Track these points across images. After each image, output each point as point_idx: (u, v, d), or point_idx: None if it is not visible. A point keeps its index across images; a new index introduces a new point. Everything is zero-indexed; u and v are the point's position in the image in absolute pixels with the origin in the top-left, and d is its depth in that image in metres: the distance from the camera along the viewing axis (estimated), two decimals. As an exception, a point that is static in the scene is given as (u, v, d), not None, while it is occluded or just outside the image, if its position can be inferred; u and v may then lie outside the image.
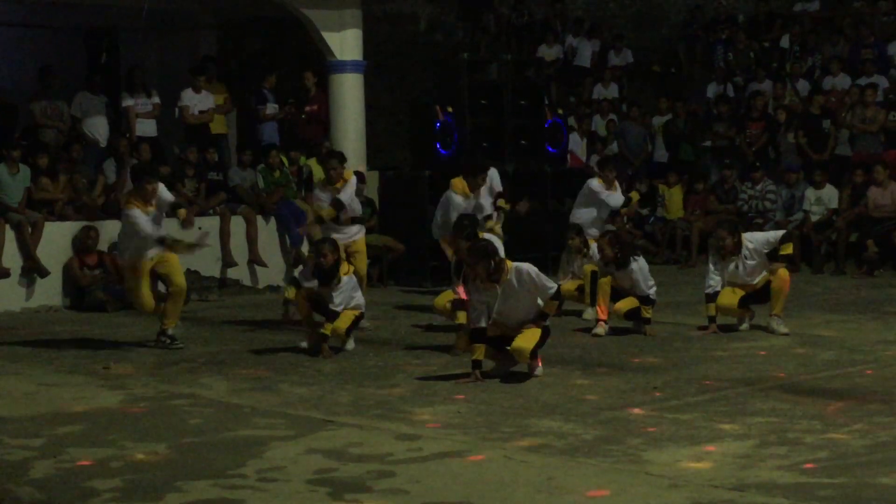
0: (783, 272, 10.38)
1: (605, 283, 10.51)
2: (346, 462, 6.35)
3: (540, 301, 8.46)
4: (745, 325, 10.60)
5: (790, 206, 15.79)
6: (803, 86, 17.59)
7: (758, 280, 10.41)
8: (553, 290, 8.46)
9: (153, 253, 10.17)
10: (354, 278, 9.97)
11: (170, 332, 10.29)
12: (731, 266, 10.40)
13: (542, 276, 8.44)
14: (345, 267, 9.83)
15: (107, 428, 7.27)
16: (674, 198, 16.86)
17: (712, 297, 10.44)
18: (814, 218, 15.39)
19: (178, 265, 10.44)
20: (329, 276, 9.63)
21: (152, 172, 10.40)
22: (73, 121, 14.73)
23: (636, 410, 7.51)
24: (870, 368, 8.83)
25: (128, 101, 14.94)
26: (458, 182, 10.89)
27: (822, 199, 15.45)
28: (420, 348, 9.99)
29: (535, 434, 6.92)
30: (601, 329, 10.45)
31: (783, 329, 10.34)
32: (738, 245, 10.28)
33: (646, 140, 17.96)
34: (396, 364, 9.26)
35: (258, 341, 10.51)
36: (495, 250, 8.47)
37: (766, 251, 10.38)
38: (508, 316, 8.50)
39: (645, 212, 16.48)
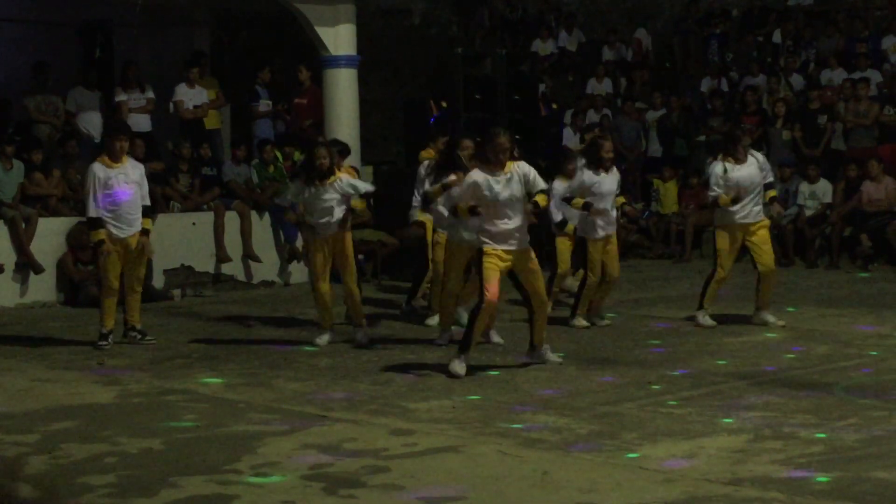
0: (770, 260, 10.48)
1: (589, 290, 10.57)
2: (341, 457, 6.35)
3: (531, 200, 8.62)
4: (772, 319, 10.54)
5: (784, 200, 15.79)
6: (797, 80, 17.60)
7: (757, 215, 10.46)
8: (545, 186, 8.74)
9: (131, 232, 9.99)
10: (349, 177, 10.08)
11: (138, 326, 10.23)
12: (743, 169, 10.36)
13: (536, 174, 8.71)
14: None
15: (101, 423, 7.27)
16: (668, 192, 16.87)
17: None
18: (808, 212, 15.41)
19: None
20: (325, 175, 9.75)
21: (126, 130, 10.28)
22: (67, 116, 14.69)
23: (631, 405, 7.51)
24: (864, 363, 8.84)
25: (121, 97, 14.90)
26: (425, 153, 11.14)
27: (816, 193, 15.46)
28: (414, 342, 9.98)
29: (529, 429, 6.92)
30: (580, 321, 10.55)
31: (774, 319, 10.38)
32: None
33: (640, 135, 17.96)
34: (391, 359, 9.26)
35: (252, 337, 10.50)
36: None
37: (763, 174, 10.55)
38: (506, 208, 8.52)
39: (639, 206, 16.46)
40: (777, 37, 18.79)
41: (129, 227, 10.04)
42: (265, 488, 5.89)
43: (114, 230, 9.97)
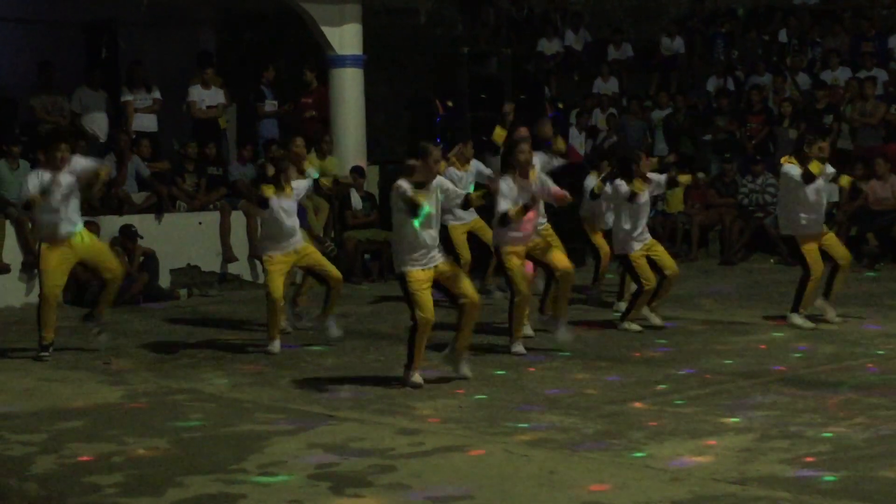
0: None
1: None
2: (348, 457, 6.37)
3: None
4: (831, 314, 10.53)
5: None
6: (803, 79, 17.58)
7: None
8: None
9: (66, 231, 9.57)
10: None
11: (97, 316, 9.96)
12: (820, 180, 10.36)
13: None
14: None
15: (108, 423, 7.29)
16: (674, 192, 16.83)
17: None
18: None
19: (107, 252, 10.09)
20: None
21: (65, 137, 9.92)
22: (72, 116, 14.72)
23: (637, 404, 7.52)
24: (870, 362, 8.83)
25: (127, 97, 14.93)
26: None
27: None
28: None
29: (536, 428, 6.93)
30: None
31: (833, 315, 10.45)
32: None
33: (646, 134, 17.95)
34: (397, 359, 9.25)
35: (258, 336, 10.50)
36: None
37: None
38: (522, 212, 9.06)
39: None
40: (783, 36, 18.77)
41: (72, 226, 9.66)
42: (272, 487, 5.90)
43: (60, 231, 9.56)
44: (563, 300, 9.54)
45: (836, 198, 15.45)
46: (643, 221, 10.48)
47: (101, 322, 10.04)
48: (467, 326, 8.32)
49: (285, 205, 9.78)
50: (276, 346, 9.70)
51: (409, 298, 8.18)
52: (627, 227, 10.40)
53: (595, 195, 11.28)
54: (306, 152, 11.29)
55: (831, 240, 10.64)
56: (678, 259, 15.91)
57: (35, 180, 9.56)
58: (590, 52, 19.83)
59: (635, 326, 10.40)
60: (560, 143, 10.34)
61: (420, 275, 8.14)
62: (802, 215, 10.35)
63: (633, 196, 10.29)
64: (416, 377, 8.25)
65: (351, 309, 11.10)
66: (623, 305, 10.96)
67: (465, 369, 8.44)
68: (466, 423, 7.12)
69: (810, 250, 10.35)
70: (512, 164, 9.33)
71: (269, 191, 9.66)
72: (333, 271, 9.96)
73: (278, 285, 9.71)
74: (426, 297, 8.15)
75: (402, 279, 8.19)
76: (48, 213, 9.54)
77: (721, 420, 7.00)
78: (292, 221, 9.83)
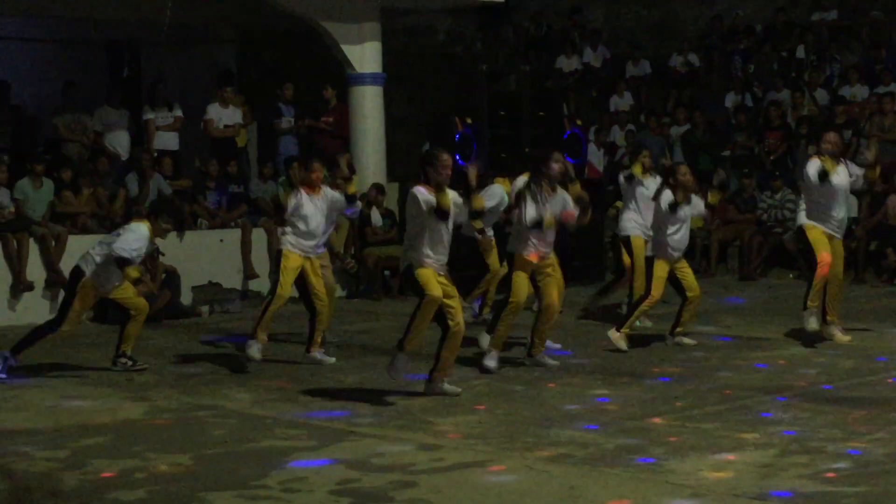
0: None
1: None
2: (369, 472, 6.39)
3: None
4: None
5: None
6: (822, 95, 17.58)
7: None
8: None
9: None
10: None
11: (129, 352, 9.95)
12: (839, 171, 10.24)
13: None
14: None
15: (131, 439, 7.33)
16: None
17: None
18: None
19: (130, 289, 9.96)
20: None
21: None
22: (95, 134, 14.85)
23: (657, 420, 7.53)
24: (891, 377, 8.83)
25: (148, 115, 15.07)
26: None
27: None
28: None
29: (556, 444, 6.95)
30: None
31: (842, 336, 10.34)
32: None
33: (664, 150, 17.95)
34: (418, 374, 9.29)
35: (280, 353, 10.56)
36: None
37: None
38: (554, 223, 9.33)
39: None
40: (801, 52, 18.78)
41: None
42: (293, 503, 5.93)
43: None
44: (542, 333, 9.57)
45: (854, 213, 15.44)
46: (682, 234, 10.38)
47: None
48: (449, 350, 8.38)
49: (315, 202, 9.84)
50: (256, 349, 9.75)
51: (415, 285, 8.29)
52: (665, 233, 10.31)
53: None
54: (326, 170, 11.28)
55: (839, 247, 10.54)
56: (697, 275, 15.96)
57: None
58: (608, 69, 19.88)
59: (623, 343, 10.20)
60: (576, 188, 9.62)
61: (430, 271, 8.25)
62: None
63: (674, 206, 10.21)
64: (405, 353, 8.38)
65: (371, 325, 11.14)
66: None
67: (452, 388, 8.47)
68: (486, 438, 7.14)
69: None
70: (544, 174, 9.34)
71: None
72: (320, 299, 9.98)
73: (288, 282, 9.82)
74: (434, 283, 8.21)
75: (409, 271, 8.31)
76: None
77: (741, 435, 7.01)
78: (317, 223, 9.85)
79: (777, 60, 18.87)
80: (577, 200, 9.41)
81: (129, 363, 9.88)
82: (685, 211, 10.33)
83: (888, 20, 18.67)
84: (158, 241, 10.24)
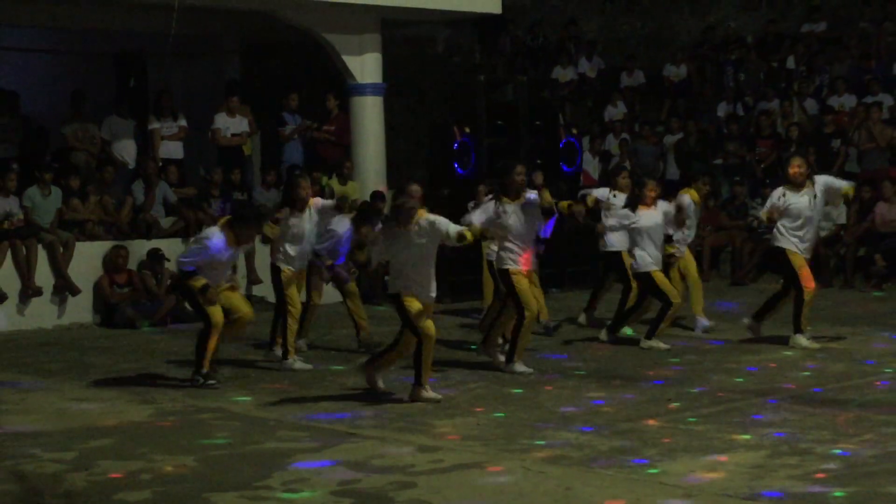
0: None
1: None
2: (369, 473, 6.48)
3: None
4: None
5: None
6: (811, 104, 17.76)
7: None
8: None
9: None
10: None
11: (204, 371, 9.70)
12: (804, 199, 10.39)
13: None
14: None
15: (137, 441, 7.41)
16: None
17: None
18: (822, 233, 15.49)
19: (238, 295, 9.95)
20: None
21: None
22: (102, 143, 14.98)
23: (651, 422, 7.63)
24: (878, 380, 8.94)
25: (154, 124, 15.20)
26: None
27: (831, 214, 15.52)
28: (440, 363, 10.12)
29: (552, 445, 7.06)
30: None
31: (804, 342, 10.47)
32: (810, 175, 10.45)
33: (658, 159, 18.12)
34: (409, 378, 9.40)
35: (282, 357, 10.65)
36: None
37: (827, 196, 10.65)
38: (526, 230, 9.56)
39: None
40: (791, 62, 18.95)
41: None
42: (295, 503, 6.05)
43: None
44: (504, 326, 9.88)
45: (843, 220, 15.60)
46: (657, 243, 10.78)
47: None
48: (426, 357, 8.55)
49: (304, 225, 10.10)
50: (298, 363, 9.97)
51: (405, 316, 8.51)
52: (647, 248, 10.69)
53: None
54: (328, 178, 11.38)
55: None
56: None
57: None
58: (603, 79, 20.03)
59: (661, 344, 10.58)
60: (546, 197, 9.61)
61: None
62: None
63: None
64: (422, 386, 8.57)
65: (372, 330, 11.21)
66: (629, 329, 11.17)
67: (433, 394, 8.57)
68: (484, 440, 7.23)
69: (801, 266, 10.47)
70: (507, 186, 9.58)
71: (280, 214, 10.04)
72: (295, 307, 10.18)
73: (294, 294, 10.14)
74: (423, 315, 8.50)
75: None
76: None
77: (732, 437, 7.11)
78: (306, 239, 10.13)
79: (767, 71, 19.03)
80: (543, 209, 9.59)
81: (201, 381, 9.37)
82: (648, 220, 10.67)
83: (876, 32, 18.84)
84: (166, 248, 10.27)
